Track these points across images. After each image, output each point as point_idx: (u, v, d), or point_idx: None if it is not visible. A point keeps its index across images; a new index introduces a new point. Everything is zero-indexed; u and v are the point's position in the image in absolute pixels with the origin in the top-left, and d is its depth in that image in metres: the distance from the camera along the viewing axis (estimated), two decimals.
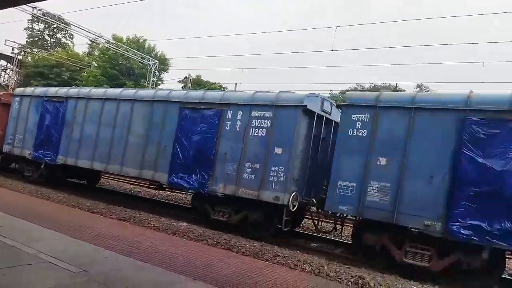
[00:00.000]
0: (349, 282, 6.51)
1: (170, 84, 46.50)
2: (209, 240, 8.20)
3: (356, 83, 43.84)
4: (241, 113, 9.72)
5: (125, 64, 42.56)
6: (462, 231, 6.94)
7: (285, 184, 8.87)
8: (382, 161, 7.84)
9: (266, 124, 9.32)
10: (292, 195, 8.89)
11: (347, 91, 32.12)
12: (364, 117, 8.14)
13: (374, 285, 6.36)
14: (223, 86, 41.89)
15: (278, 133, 9.16)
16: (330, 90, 39.72)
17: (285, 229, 9.19)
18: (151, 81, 35.52)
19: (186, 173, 10.32)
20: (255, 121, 9.48)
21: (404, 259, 7.64)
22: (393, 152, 7.77)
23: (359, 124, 8.16)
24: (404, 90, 33.99)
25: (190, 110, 10.56)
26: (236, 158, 9.60)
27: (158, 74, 40.43)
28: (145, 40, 43.98)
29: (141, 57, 37.23)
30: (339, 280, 6.58)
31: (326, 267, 7.06)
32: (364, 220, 8.37)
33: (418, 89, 39.25)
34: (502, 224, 6.67)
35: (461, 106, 7.35)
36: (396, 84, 37.21)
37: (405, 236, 7.69)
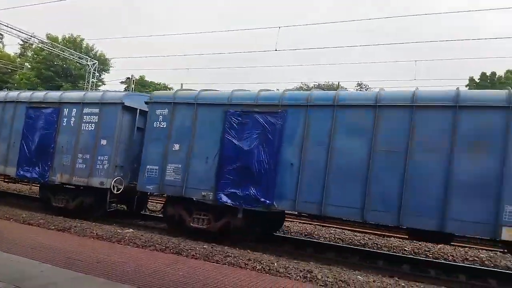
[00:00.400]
0: (298, 277, 6.63)
1: (112, 85, 44.53)
2: (157, 246, 7.95)
3: (302, 82, 44.99)
4: (75, 110, 11.10)
5: (62, 65, 40.17)
6: (224, 198, 8.78)
7: (108, 171, 10.33)
8: (176, 147, 9.46)
9: (95, 120, 10.75)
10: (115, 179, 10.34)
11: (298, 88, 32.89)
12: (164, 111, 9.72)
13: (322, 277, 6.53)
14: (168, 86, 40.98)
15: (104, 127, 10.60)
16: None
17: (109, 210, 10.73)
18: (90, 82, 33.74)
19: (30, 166, 11.48)
20: (86, 117, 10.89)
21: (192, 224, 9.30)
22: (183, 140, 9.41)
23: (161, 117, 9.75)
24: (346, 89, 35.50)
25: (34, 109, 11.74)
26: (71, 150, 10.95)
27: (98, 75, 38.57)
28: (82, 40, 41.83)
29: (78, 57, 35.25)
30: (289, 275, 6.68)
31: (276, 264, 7.14)
32: (168, 196, 9.93)
33: (358, 87, 41.16)
34: (249, 191, 8.54)
35: (226, 101, 9.10)
36: (339, 83, 38.73)
37: (193, 206, 9.35)
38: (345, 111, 7.98)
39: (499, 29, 58.00)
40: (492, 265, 8.80)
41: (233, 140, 8.79)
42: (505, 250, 7.74)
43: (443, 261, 8.94)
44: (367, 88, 39.13)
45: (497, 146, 6.78)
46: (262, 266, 6.96)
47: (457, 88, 7.64)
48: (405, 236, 11.10)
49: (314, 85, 45.22)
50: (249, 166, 8.57)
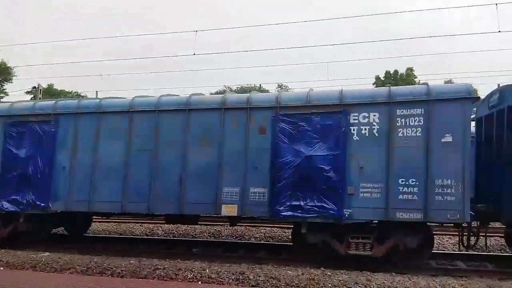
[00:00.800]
0: (231, 280, 6.65)
1: (16, 96, 40.39)
2: (77, 267, 7.35)
3: (224, 85, 45.21)
4: None
5: None
6: (6, 205, 9.21)
7: None
8: None
9: None
10: None
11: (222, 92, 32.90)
12: None
13: (253, 277, 6.63)
14: (81, 94, 38.27)
15: None
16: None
17: None
18: None
19: None
20: None
21: None
22: None
23: None
24: (268, 90, 36.52)
25: None
26: None
27: None
28: None
29: None
30: (221, 280, 6.67)
31: (207, 270, 7.05)
32: None
33: (279, 88, 42.59)
34: (28, 196, 9.08)
35: (5, 113, 9.66)
36: (260, 85, 39.67)
37: None
38: (107, 117, 9.00)
39: (405, 30, 64.45)
40: None
41: (13, 149, 9.32)
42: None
43: None
44: (288, 89, 40.70)
45: (216, 140, 8.22)
46: (193, 275, 6.85)
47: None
48: None
49: (237, 87, 45.74)
50: (27, 173, 9.13)
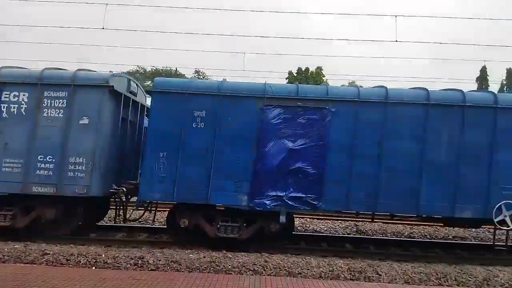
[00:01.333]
0: (129, 265, 6.45)
1: None
2: None
3: (138, 66, 42.92)
4: None
5: None
6: None
7: None
8: None
9: None
10: None
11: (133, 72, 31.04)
12: None
13: (153, 261, 6.52)
14: None
15: None
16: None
17: None
18: None
19: None
20: None
21: None
22: None
23: None
24: (184, 75, 35.77)
25: None
26: None
27: None
28: None
29: None
30: (118, 265, 6.43)
31: (103, 255, 6.72)
32: None
33: (196, 74, 41.98)
34: None
35: None
36: (176, 69, 38.58)
37: None
38: None
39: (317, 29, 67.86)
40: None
41: None
42: None
43: None
44: (204, 76, 40.29)
45: None
46: (87, 260, 6.49)
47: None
48: None
49: (152, 69, 43.77)
50: None
